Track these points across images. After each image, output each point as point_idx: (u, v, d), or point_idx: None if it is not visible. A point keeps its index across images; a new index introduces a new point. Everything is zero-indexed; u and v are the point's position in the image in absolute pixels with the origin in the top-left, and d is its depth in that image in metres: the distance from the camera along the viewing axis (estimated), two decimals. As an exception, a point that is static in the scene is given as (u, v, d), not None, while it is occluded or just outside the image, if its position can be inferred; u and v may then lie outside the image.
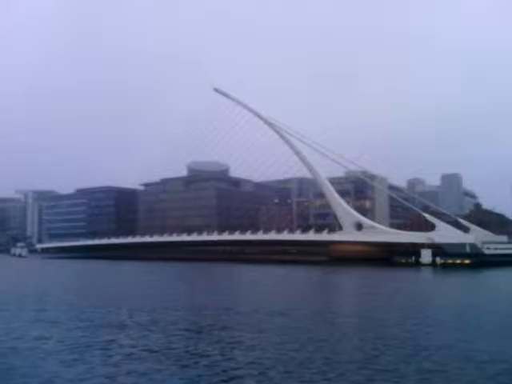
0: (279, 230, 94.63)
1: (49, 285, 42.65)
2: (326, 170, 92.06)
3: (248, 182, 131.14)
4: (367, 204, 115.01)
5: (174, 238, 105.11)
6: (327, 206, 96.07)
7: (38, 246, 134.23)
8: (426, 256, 70.37)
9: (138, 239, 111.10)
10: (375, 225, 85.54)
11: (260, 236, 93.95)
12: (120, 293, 35.57)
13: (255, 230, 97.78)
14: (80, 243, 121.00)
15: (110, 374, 12.81)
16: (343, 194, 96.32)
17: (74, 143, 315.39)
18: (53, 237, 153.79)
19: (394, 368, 13.10)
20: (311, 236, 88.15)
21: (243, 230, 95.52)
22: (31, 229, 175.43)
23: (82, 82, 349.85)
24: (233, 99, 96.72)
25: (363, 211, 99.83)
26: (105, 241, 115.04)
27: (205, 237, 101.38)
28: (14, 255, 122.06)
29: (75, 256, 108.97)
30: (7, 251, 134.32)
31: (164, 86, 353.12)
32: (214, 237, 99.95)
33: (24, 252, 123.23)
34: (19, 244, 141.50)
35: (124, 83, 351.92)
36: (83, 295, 32.81)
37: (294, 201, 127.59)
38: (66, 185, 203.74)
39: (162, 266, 76.50)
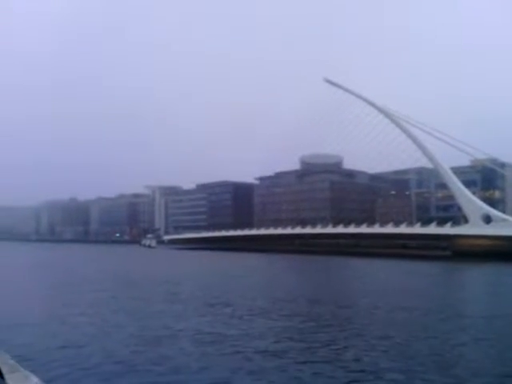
0: (397, 223, 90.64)
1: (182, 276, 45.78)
2: (449, 159, 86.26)
3: (362, 173, 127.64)
4: (496, 195, 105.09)
5: (288, 230, 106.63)
6: (450, 197, 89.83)
7: (165, 238, 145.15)
8: None
9: (253, 232, 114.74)
10: (507, 217, 77.81)
11: (376, 229, 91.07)
12: (247, 283, 36.89)
13: (371, 222, 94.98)
14: (201, 235, 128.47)
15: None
16: (468, 184, 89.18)
17: (194, 140, 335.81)
18: (177, 229, 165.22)
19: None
20: (432, 229, 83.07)
21: (358, 223, 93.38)
22: (159, 221, 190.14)
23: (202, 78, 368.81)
24: (345, 89, 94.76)
25: (492, 203, 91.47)
26: (223, 233, 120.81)
27: (318, 229, 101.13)
28: (145, 246, 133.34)
29: (197, 247, 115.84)
30: (138, 242, 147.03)
31: (276, 80, 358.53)
32: (328, 230, 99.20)
33: (153, 243, 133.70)
34: (149, 235, 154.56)
35: (239, 79, 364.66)
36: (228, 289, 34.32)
37: (412, 192, 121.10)
38: (189, 180, 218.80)
39: (278, 257, 78.09)
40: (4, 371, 3.08)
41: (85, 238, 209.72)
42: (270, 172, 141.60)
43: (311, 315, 21.41)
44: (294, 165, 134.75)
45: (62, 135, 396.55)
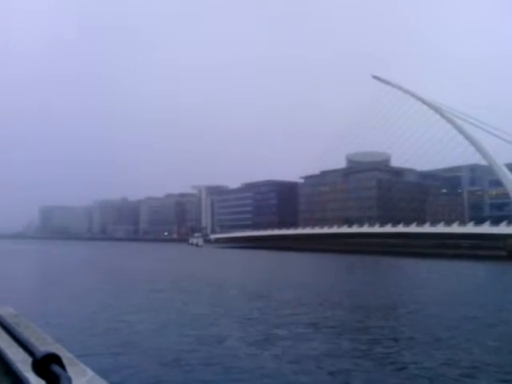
0: (448, 223, 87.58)
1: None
2: (504, 156, 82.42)
3: (411, 171, 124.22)
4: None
5: (334, 229, 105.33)
6: (505, 195, 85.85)
7: (212, 236, 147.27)
8: None
9: (299, 231, 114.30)
10: None
11: (426, 229, 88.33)
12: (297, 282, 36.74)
13: (421, 222, 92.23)
14: (247, 234, 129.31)
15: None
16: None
17: (240, 140, 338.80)
18: (223, 228, 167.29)
19: None
20: (486, 228, 79.64)
21: (407, 222, 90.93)
22: (205, 220, 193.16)
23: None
24: (393, 85, 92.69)
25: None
26: (268, 232, 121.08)
27: (366, 229, 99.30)
28: (192, 244, 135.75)
29: (242, 246, 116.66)
30: (186, 241, 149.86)
31: (321, 79, 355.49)
32: (376, 229, 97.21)
33: (200, 241, 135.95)
34: (196, 234, 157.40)
35: (284, 80, 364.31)
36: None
37: (465, 190, 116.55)
38: (235, 180, 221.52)
39: (323, 257, 77.37)
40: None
41: (135, 236, 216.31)
42: (315, 171, 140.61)
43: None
44: (339, 163, 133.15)
45: (113, 136, 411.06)
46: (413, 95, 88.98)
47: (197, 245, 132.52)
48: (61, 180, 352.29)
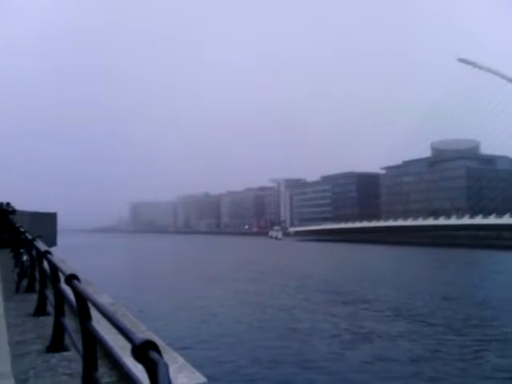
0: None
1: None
2: None
3: (503, 158, 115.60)
4: None
5: (419, 222, 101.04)
6: None
7: (291, 229, 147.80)
8: None
9: (380, 223, 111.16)
10: None
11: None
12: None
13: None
14: (326, 227, 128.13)
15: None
16: None
17: (318, 132, 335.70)
18: (302, 221, 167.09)
19: None
20: None
21: (500, 213, 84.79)
22: (284, 213, 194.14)
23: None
24: (480, 67, 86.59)
25: None
26: (349, 224, 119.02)
27: (454, 221, 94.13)
28: (271, 237, 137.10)
29: (322, 239, 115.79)
30: (265, 234, 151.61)
31: (402, 66, 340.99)
32: (465, 221, 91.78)
33: (279, 234, 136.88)
34: (275, 227, 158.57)
35: (365, 71, 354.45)
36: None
37: None
38: (313, 172, 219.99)
39: (408, 250, 74.42)
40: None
41: (216, 229, 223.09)
42: (397, 161, 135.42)
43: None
44: (423, 152, 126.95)
45: (195, 136, 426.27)
46: (504, 77, 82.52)
47: (276, 238, 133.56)
48: (148, 177, 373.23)
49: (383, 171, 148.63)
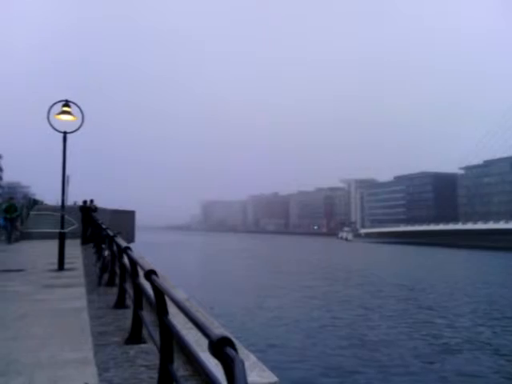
0: None
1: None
2: None
3: None
4: None
5: (501, 225, 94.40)
6: None
7: (362, 231, 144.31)
8: None
9: (458, 226, 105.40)
10: None
11: None
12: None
13: None
14: (399, 229, 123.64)
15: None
16: None
17: (390, 133, 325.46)
18: (374, 222, 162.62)
19: None
20: None
21: None
22: (354, 215, 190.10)
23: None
24: None
25: None
26: (424, 227, 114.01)
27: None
28: (341, 238, 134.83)
29: (395, 241, 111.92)
30: (335, 235, 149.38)
31: (481, 63, 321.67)
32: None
33: (350, 236, 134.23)
34: (345, 228, 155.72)
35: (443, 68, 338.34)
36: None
37: None
38: (385, 173, 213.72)
39: (491, 256, 69.56)
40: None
41: (285, 229, 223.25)
42: (478, 160, 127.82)
43: None
44: (507, 151, 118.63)
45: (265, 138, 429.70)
46: None
47: (346, 239, 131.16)
48: (219, 177, 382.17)
49: (461, 171, 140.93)
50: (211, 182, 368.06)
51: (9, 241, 18.66)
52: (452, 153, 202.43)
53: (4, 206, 19.66)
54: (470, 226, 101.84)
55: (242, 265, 48.76)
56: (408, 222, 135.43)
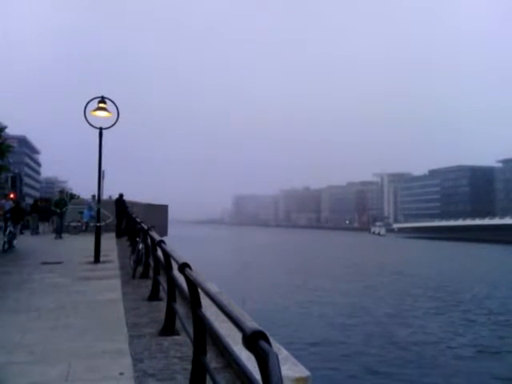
0: None
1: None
2: None
3: None
4: None
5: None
6: None
7: (395, 226, 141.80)
8: None
9: (496, 221, 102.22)
10: None
11: None
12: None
13: None
14: (434, 224, 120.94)
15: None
16: None
17: (420, 125, 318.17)
18: (407, 217, 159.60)
19: None
20: None
21: None
22: (387, 209, 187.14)
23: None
24: None
25: None
26: (459, 222, 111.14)
27: None
28: (374, 233, 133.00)
29: (429, 236, 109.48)
30: (367, 229, 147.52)
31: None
32: None
33: (382, 231, 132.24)
34: (378, 223, 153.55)
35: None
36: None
37: None
38: (419, 166, 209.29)
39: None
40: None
41: (316, 224, 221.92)
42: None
43: None
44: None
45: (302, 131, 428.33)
46: None
47: (379, 234, 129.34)
48: (251, 171, 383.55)
49: (500, 164, 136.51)
50: (243, 177, 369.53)
51: (59, 235, 18.54)
52: (489, 146, 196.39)
53: (54, 200, 20.36)
54: (507, 220, 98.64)
55: (274, 260, 48.80)
56: (442, 216, 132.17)
